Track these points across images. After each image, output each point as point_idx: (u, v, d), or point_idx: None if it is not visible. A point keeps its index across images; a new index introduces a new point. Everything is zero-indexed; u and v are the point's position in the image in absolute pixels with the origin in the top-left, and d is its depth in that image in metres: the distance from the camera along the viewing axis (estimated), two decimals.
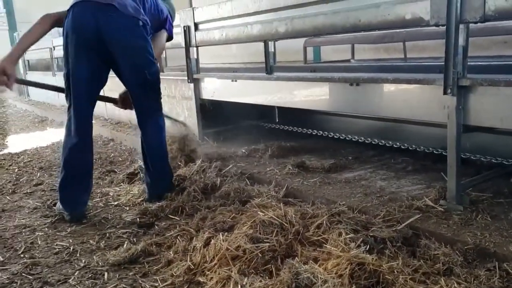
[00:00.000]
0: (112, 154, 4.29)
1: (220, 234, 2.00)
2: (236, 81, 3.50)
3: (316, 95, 2.86)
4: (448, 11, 1.94)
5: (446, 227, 1.93)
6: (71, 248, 2.22)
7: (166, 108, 4.44)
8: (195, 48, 3.85)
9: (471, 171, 2.52)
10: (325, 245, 1.83)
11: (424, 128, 3.06)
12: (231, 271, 1.76)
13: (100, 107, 5.90)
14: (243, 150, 3.48)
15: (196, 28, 3.71)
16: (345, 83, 2.58)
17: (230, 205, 2.48)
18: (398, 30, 4.23)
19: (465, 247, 1.75)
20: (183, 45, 3.84)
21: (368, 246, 1.79)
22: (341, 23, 2.49)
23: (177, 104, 4.25)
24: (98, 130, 5.29)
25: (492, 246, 1.74)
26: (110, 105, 3.25)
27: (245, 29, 3.17)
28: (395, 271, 1.57)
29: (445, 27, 1.97)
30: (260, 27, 3.04)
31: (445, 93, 2.02)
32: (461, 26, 1.93)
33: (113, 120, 5.74)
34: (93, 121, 2.62)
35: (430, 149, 2.80)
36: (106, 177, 3.43)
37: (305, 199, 2.48)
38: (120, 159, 4.08)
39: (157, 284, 1.84)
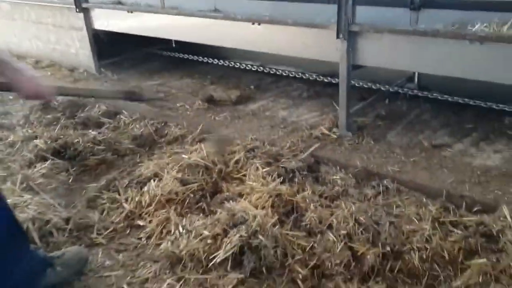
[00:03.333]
0: None
1: (152, 181, 2.18)
2: (132, 12, 3.39)
3: (216, 33, 2.96)
4: None
5: (340, 153, 2.36)
6: None
7: (53, 39, 4.16)
8: None
9: (357, 96, 2.96)
10: (246, 181, 2.14)
11: None
12: (169, 213, 2.00)
13: None
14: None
15: None
16: (247, 22, 2.72)
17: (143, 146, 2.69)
18: None
19: (356, 170, 2.20)
20: None
21: (282, 178, 2.13)
22: None
23: (65, 35, 3.98)
24: None
25: (375, 167, 2.21)
26: None
27: None
28: (307, 200, 1.95)
29: None
30: None
31: (337, 37, 2.32)
32: None
33: None
34: None
35: (321, 77, 3.17)
36: None
37: (219, 134, 2.71)
38: None
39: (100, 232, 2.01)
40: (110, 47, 3.93)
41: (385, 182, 2.10)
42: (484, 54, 2.01)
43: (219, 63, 3.73)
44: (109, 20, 3.61)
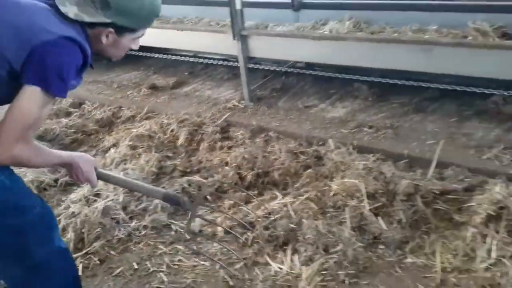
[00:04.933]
0: None
1: (111, 149, 3.19)
2: None
3: (156, 37, 3.91)
4: None
5: (243, 117, 3.41)
6: None
7: None
8: None
9: (261, 75, 4.01)
10: (178, 142, 3.19)
11: None
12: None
13: None
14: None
15: None
16: (174, 30, 3.71)
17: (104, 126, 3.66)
18: None
19: (252, 128, 3.26)
20: None
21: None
22: None
23: None
24: None
25: (265, 124, 3.27)
26: None
27: None
28: (217, 150, 3.02)
29: None
30: None
31: (234, 39, 3.34)
32: None
33: None
34: None
35: (236, 63, 4.19)
36: None
37: (160, 113, 3.70)
38: None
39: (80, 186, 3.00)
40: None
41: (269, 133, 3.17)
42: (322, 47, 3.09)
43: (160, 56, 4.66)
44: None
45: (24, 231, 1.51)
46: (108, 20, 1.40)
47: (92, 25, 1.41)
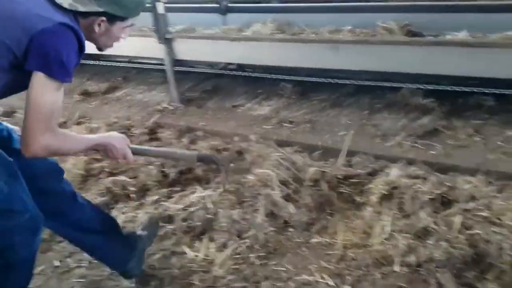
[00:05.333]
0: None
1: None
2: None
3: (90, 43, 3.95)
4: None
5: (173, 118, 3.52)
6: None
7: None
8: None
9: (192, 77, 4.13)
10: None
11: None
12: None
13: None
14: None
15: None
16: None
17: None
18: None
19: (179, 128, 3.36)
20: None
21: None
22: None
23: None
24: None
25: (193, 124, 3.38)
26: None
27: None
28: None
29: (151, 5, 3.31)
30: None
31: (159, 43, 3.44)
32: (158, 3, 3.29)
33: None
34: None
35: None
36: None
37: (91, 118, 3.74)
38: None
39: None
40: None
41: (196, 133, 3.29)
42: (244, 49, 3.25)
43: (95, 63, 4.68)
44: None
45: (11, 234, 1.57)
46: (100, 9, 1.49)
47: (85, 14, 1.49)
